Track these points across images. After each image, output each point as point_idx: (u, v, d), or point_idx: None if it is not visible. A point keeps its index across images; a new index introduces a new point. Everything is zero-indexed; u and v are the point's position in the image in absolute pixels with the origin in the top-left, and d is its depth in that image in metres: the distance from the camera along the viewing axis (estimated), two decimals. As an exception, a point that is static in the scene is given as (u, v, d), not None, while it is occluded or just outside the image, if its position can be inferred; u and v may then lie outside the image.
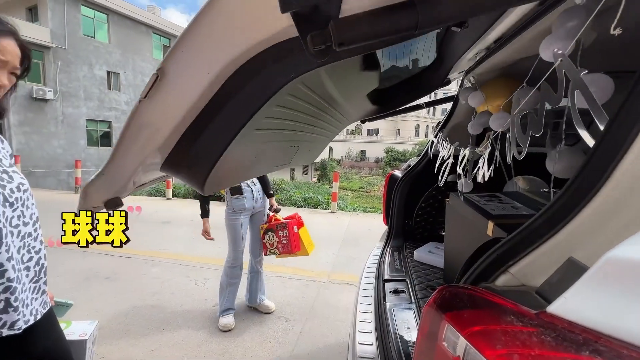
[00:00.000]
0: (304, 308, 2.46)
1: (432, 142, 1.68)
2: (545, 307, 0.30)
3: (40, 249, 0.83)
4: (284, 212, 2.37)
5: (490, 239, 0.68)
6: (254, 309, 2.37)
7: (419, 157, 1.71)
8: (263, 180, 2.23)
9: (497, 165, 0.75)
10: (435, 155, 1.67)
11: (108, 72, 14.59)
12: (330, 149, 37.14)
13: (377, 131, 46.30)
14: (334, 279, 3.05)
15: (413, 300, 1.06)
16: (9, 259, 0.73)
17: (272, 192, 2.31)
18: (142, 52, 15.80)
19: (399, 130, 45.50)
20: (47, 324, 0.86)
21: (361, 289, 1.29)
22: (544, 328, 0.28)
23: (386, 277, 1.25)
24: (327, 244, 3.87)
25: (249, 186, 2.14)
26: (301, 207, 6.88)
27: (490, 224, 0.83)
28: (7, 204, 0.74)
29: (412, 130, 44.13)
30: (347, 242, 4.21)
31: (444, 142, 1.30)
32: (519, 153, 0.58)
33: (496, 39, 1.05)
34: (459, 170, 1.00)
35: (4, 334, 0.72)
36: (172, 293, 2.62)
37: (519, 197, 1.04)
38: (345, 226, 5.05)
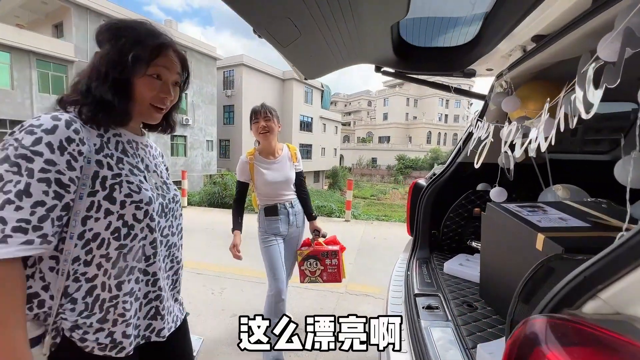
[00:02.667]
0: (322, 320, 2.38)
1: (459, 149, 1.62)
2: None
3: (181, 260, 0.85)
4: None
5: (550, 255, 0.62)
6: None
7: (445, 165, 1.65)
8: (304, 201, 1.95)
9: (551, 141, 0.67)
10: (463, 163, 1.61)
11: (127, 84, 15.09)
12: (342, 157, 37.08)
13: (388, 138, 46.11)
14: (351, 289, 2.97)
15: (450, 318, 0.99)
16: (160, 268, 0.76)
17: (315, 213, 2.01)
18: (159, 64, 16.32)
19: (410, 137, 45.15)
20: (184, 329, 0.88)
21: (390, 303, 1.23)
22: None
23: (417, 291, 1.19)
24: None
25: (286, 208, 1.84)
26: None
27: (541, 237, 0.77)
28: (162, 214, 0.76)
29: (423, 138, 43.73)
30: (362, 251, 4.12)
31: (479, 122, 1.23)
32: (587, 112, 0.52)
33: (534, 35, 1.00)
34: (504, 149, 0.94)
35: (152, 339, 0.76)
36: (189, 302, 2.60)
37: (563, 208, 0.97)
38: (360, 235, 4.96)
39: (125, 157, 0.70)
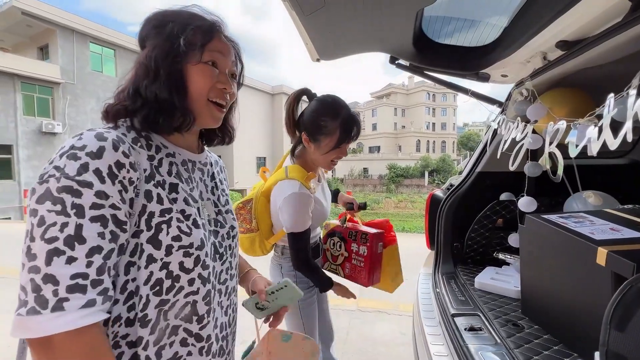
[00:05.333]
0: (337, 341, 2.27)
1: (478, 157, 1.59)
2: None
3: (237, 307, 0.71)
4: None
5: (638, 275, 0.57)
6: None
7: (463, 176, 1.62)
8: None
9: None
10: (483, 173, 1.58)
11: (115, 104, 14.94)
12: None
13: (378, 148, 46.64)
14: (362, 306, 2.87)
15: (499, 341, 0.93)
16: (215, 327, 0.60)
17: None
18: (147, 83, 16.26)
19: (400, 146, 45.78)
20: None
21: (425, 325, 1.16)
22: None
23: (453, 311, 1.12)
24: (349, 268, 3.70)
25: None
26: (313, 229, 6.71)
27: (602, 252, 0.72)
28: (217, 256, 0.62)
29: (412, 146, 44.40)
30: (368, 264, 4.03)
31: (510, 122, 1.19)
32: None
33: (559, 41, 0.98)
34: (550, 148, 0.89)
35: None
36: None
37: (607, 217, 0.93)
38: (363, 248, 4.88)
39: (180, 184, 0.56)
